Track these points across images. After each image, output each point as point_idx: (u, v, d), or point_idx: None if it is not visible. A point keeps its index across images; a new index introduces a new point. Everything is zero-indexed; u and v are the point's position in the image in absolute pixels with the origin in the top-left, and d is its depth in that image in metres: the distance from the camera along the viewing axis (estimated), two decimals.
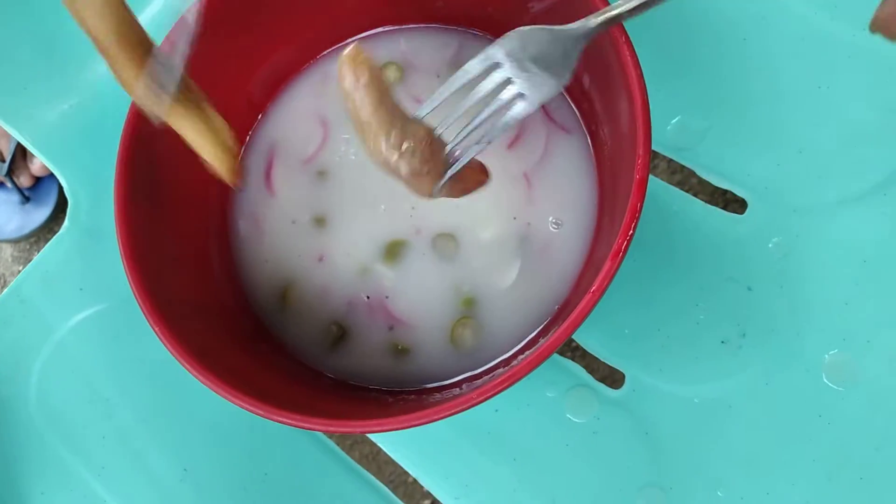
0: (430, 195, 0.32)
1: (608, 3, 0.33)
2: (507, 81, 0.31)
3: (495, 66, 0.31)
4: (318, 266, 0.41)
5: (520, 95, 0.31)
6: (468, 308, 0.39)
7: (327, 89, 0.45)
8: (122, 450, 0.44)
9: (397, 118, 0.31)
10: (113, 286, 0.47)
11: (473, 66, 0.31)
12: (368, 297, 0.40)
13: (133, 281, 0.35)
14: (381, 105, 0.31)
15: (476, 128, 0.32)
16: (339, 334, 0.40)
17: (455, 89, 0.32)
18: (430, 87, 0.42)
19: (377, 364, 0.40)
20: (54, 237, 0.48)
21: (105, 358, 0.46)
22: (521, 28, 0.32)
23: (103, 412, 0.44)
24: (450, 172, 0.32)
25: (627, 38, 0.32)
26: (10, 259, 1.17)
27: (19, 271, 1.16)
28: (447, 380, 0.40)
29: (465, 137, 0.32)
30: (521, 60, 0.31)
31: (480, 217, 0.40)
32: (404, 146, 0.31)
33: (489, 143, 0.31)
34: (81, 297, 0.47)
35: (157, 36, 0.34)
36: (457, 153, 0.32)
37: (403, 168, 0.31)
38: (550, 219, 0.39)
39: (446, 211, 0.40)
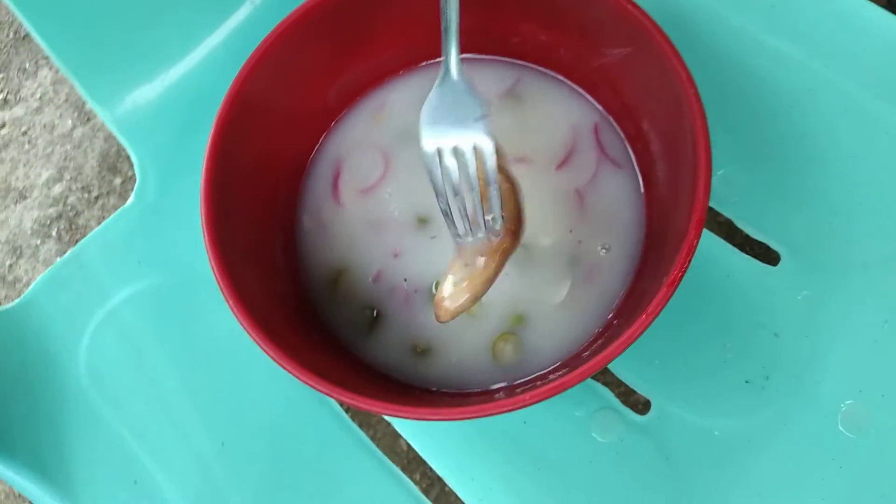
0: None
1: (680, 58, 0.37)
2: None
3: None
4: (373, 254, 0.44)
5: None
6: (517, 324, 0.42)
7: (383, 114, 0.48)
8: (164, 417, 0.46)
9: None
10: (169, 263, 0.49)
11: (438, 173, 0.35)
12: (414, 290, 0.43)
13: (215, 264, 0.37)
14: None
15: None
16: (373, 318, 0.43)
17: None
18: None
19: (404, 359, 0.43)
20: (119, 209, 0.51)
21: (155, 329, 0.48)
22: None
23: (149, 380, 0.46)
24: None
25: (697, 91, 0.35)
26: (28, 232, 1.19)
27: (37, 245, 1.19)
28: (484, 387, 0.42)
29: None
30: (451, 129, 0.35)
31: (541, 224, 0.42)
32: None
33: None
34: (139, 269, 0.49)
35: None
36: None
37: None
38: (599, 243, 0.42)
39: None
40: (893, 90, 0.44)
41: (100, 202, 1.20)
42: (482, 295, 0.37)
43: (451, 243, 0.38)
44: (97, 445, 0.45)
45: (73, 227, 1.19)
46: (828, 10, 0.46)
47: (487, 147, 0.35)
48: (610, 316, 0.41)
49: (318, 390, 0.34)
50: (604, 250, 0.42)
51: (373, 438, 0.45)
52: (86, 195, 1.20)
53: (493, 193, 0.35)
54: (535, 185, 0.43)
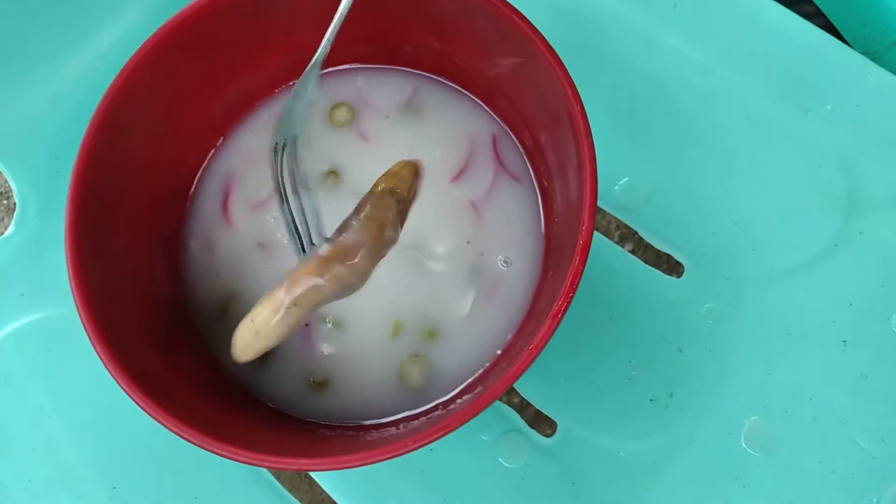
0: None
1: (565, 70, 0.35)
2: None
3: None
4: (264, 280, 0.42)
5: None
6: (427, 339, 0.40)
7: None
8: (51, 463, 0.43)
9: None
10: (55, 295, 0.46)
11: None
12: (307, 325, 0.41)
13: (78, 298, 0.34)
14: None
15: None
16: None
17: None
18: (379, 127, 0.44)
19: (300, 392, 0.41)
20: None
21: (40, 367, 0.45)
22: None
23: (34, 423, 0.44)
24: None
25: (583, 108, 0.34)
26: None
27: None
28: (385, 417, 0.40)
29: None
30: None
31: (434, 234, 0.41)
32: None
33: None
34: (21, 302, 0.46)
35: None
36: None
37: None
38: (500, 256, 0.41)
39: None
40: (794, 93, 0.43)
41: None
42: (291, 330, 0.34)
43: None
44: None
45: None
46: (731, 11, 0.45)
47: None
48: (511, 336, 0.40)
49: (190, 442, 0.32)
50: (504, 264, 0.41)
51: (275, 472, 0.44)
52: (3, 202, 1.15)
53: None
54: (426, 196, 0.41)
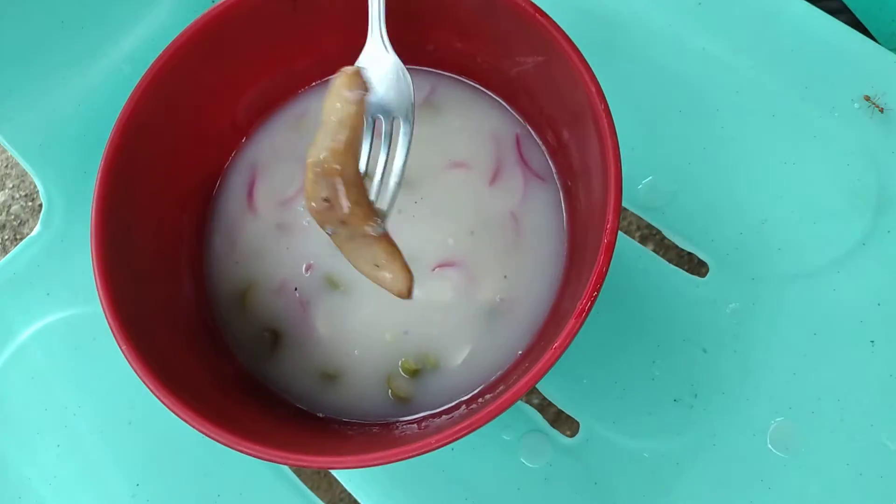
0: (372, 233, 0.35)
1: (590, 69, 0.35)
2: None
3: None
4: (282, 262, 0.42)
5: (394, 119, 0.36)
6: (433, 351, 0.40)
7: (305, 122, 0.45)
8: (75, 459, 0.43)
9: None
10: (80, 294, 0.47)
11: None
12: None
13: (104, 299, 0.35)
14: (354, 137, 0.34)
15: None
16: (275, 339, 0.41)
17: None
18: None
19: (316, 387, 0.41)
20: (25, 239, 0.48)
21: (65, 365, 0.46)
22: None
23: (59, 420, 0.44)
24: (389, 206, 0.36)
25: (607, 107, 0.33)
26: None
27: None
28: (406, 416, 0.40)
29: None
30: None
31: (479, 270, 0.41)
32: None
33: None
34: (48, 302, 0.47)
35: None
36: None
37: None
38: (529, 258, 0.41)
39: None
40: (820, 91, 0.43)
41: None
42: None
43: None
44: (3, 492, 0.43)
45: (18, 236, 1.15)
46: (754, 7, 0.45)
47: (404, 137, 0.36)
48: (534, 339, 0.40)
49: (216, 440, 0.32)
50: (531, 264, 0.41)
51: (297, 470, 0.44)
52: (30, 203, 1.16)
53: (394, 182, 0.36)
54: (471, 199, 0.41)
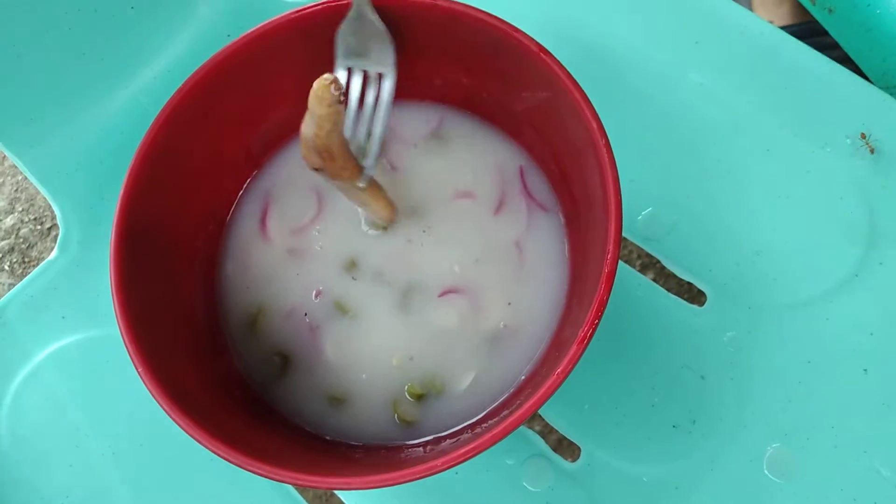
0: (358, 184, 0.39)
1: (591, 106, 0.36)
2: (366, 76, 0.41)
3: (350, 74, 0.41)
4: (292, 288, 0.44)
5: (379, 76, 0.41)
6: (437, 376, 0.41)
7: None
8: (87, 479, 0.44)
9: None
10: (94, 317, 0.48)
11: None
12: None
13: (122, 321, 0.36)
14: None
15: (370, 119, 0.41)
16: (285, 363, 0.43)
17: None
18: (407, 155, 0.46)
19: (322, 410, 0.42)
20: (42, 263, 0.49)
21: (79, 387, 0.47)
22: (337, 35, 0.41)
23: (72, 440, 0.45)
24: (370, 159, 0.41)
25: (608, 142, 0.35)
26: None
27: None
28: (411, 440, 0.41)
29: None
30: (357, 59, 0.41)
31: (483, 297, 0.42)
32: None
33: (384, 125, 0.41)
34: (63, 325, 0.48)
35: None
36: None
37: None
38: (530, 287, 0.42)
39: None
40: (814, 127, 0.44)
41: (53, 233, 1.18)
42: None
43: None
44: None
45: (26, 259, 1.17)
46: (750, 46, 0.46)
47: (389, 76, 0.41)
48: (536, 365, 0.41)
49: (228, 461, 0.33)
50: (532, 293, 0.42)
51: (302, 491, 0.45)
52: (38, 227, 1.18)
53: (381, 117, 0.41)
54: (477, 228, 0.43)
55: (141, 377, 0.35)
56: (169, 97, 0.40)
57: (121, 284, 0.37)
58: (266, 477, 0.32)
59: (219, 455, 0.33)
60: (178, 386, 0.36)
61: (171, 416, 0.34)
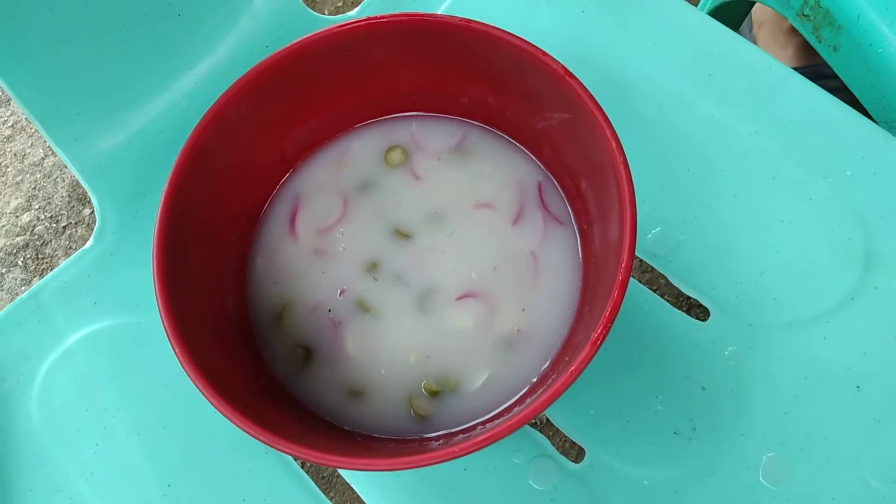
0: None
1: (612, 127, 0.39)
2: None
3: None
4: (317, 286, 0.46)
5: None
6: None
7: (346, 160, 0.50)
8: (112, 458, 0.46)
9: None
10: (125, 305, 0.50)
11: None
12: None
13: (162, 304, 0.38)
14: None
15: None
16: (308, 356, 0.45)
17: None
18: (431, 167, 0.48)
19: (341, 402, 0.44)
20: (78, 251, 0.52)
21: (108, 370, 0.49)
22: None
23: (99, 421, 0.47)
24: None
25: (625, 160, 0.38)
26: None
27: (2, 273, 1.18)
28: (425, 433, 0.44)
29: None
30: None
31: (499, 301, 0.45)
32: None
33: None
34: (95, 310, 0.50)
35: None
36: None
37: None
38: (544, 295, 0.44)
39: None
40: (816, 158, 0.47)
41: (67, 232, 1.20)
42: None
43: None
44: (42, 484, 0.46)
45: (40, 256, 1.19)
46: (759, 81, 0.49)
47: None
48: (547, 368, 0.43)
49: (258, 439, 0.35)
50: (545, 302, 0.44)
51: (319, 484, 0.46)
52: (54, 225, 1.21)
53: None
54: (495, 237, 0.46)
55: (178, 358, 0.37)
56: (208, 101, 0.42)
57: (162, 273, 0.39)
58: (294, 455, 0.35)
59: (250, 433, 0.35)
60: (210, 368, 0.38)
61: (204, 395, 0.36)
